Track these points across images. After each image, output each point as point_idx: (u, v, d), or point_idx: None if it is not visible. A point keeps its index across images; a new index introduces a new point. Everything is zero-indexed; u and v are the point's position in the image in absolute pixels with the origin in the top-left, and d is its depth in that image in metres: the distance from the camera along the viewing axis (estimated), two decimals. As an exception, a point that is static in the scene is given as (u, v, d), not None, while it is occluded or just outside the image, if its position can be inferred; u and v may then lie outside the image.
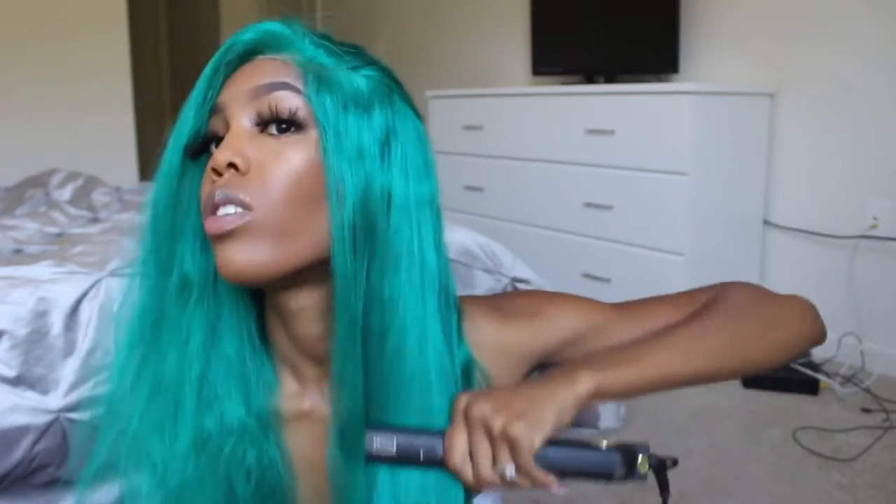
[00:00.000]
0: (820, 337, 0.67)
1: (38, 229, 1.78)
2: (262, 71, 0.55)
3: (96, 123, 3.08)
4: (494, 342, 0.63)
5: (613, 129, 2.50)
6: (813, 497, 1.60)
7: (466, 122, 3.07)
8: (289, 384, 0.62)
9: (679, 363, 0.58)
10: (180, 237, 0.58)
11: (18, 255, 1.50)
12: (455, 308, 0.60)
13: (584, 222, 2.64)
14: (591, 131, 2.56)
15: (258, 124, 0.54)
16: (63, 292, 1.20)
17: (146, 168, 3.51)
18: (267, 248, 0.52)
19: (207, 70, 0.57)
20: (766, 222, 2.57)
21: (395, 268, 0.54)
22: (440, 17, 3.87)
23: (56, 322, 1.17)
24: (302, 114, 0.53)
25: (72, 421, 1.15)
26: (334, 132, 0.53)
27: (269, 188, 0.52)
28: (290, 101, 0.53)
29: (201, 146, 0.57)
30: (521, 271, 1.76)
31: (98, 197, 2.17)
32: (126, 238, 1.66)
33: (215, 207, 0.52)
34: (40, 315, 1.17)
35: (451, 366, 0.59)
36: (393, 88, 0.58)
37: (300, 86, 0.54)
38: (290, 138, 0.53)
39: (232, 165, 0.52)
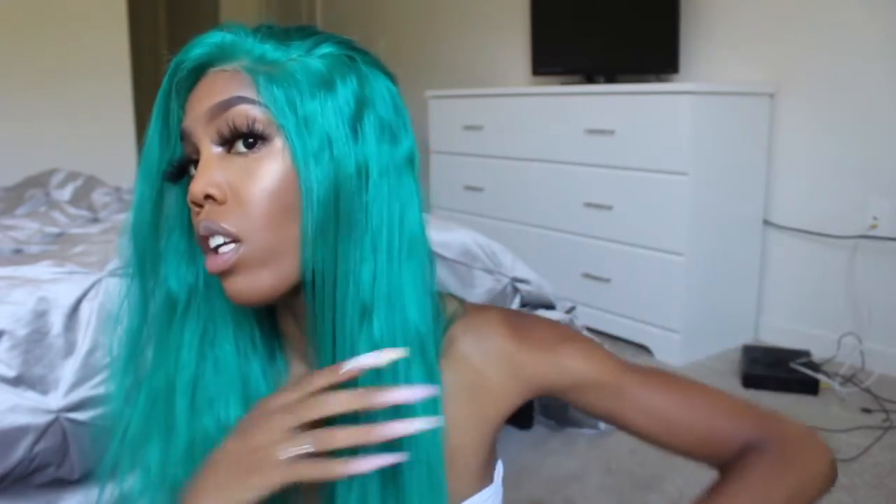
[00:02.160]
0: (831, 485, 0.64)
1: (38, 229, 1.78)
2: (213, 88, 0.54)
3: (96, 123, 3.09)
4: (506, 357, 0.63)
5: (613, 129, 2.50)
6: (813, 497, 1.60)
7: (466, 122, 3.07)
8: (297, 368, 0.63)
9: None
10: (163, 258, 0.59)
11: (18, 255, 1.50)
12: (431, 264, 0.58)
13: (584, 222, 2.64)
14: (591, 131, 2.56)
15: (223, 145, 0.54)
16: (63, 292, 1.20)
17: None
18: (266, 274, 0.53)
19: (160, 95, 0.56)
20: (766, 222, 2.57)
21: (373, 244, 0.53)
22: (440, 17, 3.87)
23: (56, 322, 1.18)
24: (261, 124, 0.52)
25: (72, 421, 1.15)
26: (297, 132, 0.52)
27: (250, 213, 0.52)
28: (246, 114, 0.52)
29: (179, 171, 0.57)
30: (521, 271, 1.77)
31: (98, 197, 2.18)
32: (123, 238, 1.66)
33: (206, 241, 0.53)
34: (40, 315, 1.17)
35: (429, 332, 0.57)
36: (355, 57, 0.56)
37: (253, 94, 0.53)
38: (259, 153, 0.53)
39: (208, 196, 0.53)
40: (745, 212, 2.52)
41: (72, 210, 2.04)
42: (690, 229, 2.34)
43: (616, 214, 2.52)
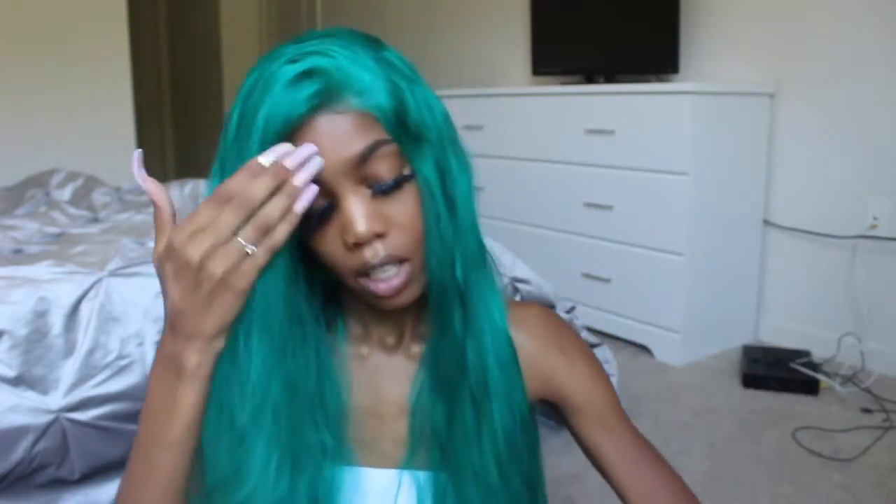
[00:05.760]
0: None
1: (38, 229, 1.78)
2: (341, 135, 0.54)
3: (96, 123, 3.09)
4: (534, 354, 0.69)
5: (613, 129, 2.50)
6: (813, 497, 1.60)
7: (466, 122, 3.07)
8: (355, 328, 0.68)
9: None
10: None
11: (18, 255, 1.50)
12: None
13: (584, 222, 2.64)
14: (591, 131, 2.56)
15: (367, 184, 0.56)
16: (63, 292, 1.20)
17: (146, 168, 3.51)
18: (421, 282, 0.60)
19: (260, 144, 0.54)
20: (766, 222, 2.57)
21: (453, 213, 0.60)
22: (440, 17, 3.87)
23: (56, 322, 1.18)
24: (402, 162, 0.56)
25: (72, 421, 1.15)
26: (414, 152, 0.57)
27: (411, 237, 0.57)
28: (389, 160, 0.55)
29: (319, 223, 0.57)
30: (521, 271, 1.77)
31: (98, 197, 2.18)
32: (126, 238, 1.66)
33: (371, 270, 0.57)
34: (40, 315, 1.17)
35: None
36: (398, 56, 0.60)
37: (382, 132, 0.55)
38: (404, 189, 0.57)
39: (377, 234, 0.56)
40: (745, 212, 2.52)
41: (72, 210, 2.04)
42: (690, 229, 2.34)
43: (616, 214, 2.52)
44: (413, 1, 4.03)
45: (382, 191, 0.56)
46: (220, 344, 0.54)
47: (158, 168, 5.29)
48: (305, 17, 4.76)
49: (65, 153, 2.84)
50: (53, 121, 2.98)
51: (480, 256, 0.63)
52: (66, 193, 2.28)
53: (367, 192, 0.56)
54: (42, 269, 1.25)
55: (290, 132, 0.53)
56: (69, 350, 1.18)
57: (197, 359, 0.53)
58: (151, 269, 1.37)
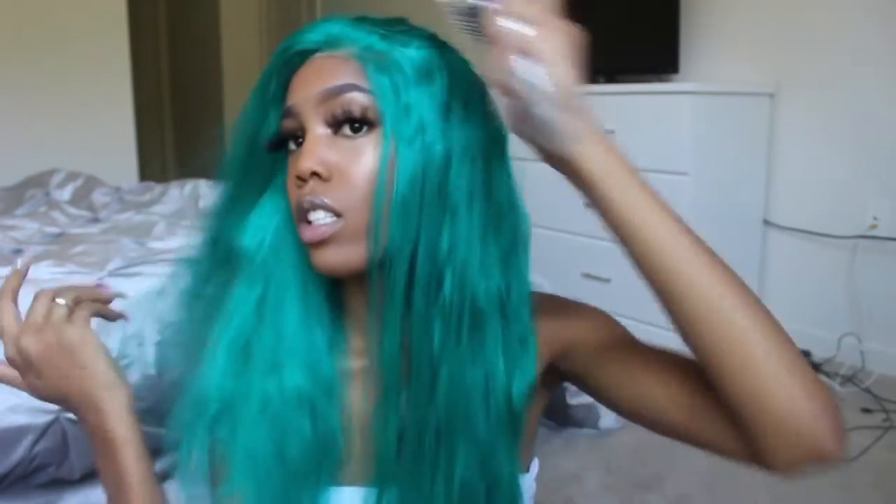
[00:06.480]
0: (818, 422, 0.49)
1: (38, 229, 1.78)
2: (324, 72, 0.57)
3: (96, 123, 3.09)
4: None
5: (613, 128, 2.49)
6: (813, 497, 1.60)
7: (466, 122, 3.07)
8: (358, 342, 0.64)
9: (668, 232, 0.56)
10: (241, 217, 0.62)
11: (18, 255, 1.50)
12: (525, 244, 0.62)
13: (584, 222, 2.63)
14: (591, 131, 2.56)
15: (331, 126, 0.57)
16: (63, 292, 1.20)
17: (146, 168, 3.51)
18: (358, 248, 0.56)
19: (267, 72, 0.60)
20: (766, 222, 2.57)
21: (452, 217, 0.57)
22: (441, 18, 3.86)
23: (56, 322, 1.17)
24: (372, 112, 0.56)
25: (72, 421, 1.15)
26: (395, 118, 0.55)
27: (353, 191, 0.55)
28: (360, 102, 0.56)
29: (278, 143, 0.60)
30: (521, 271, 1.76)
31: (98, 197, 2.18)
32: (126, 238, 1.66)
33: (305, 213, 0.56)
34: (40, 315, 1.17)
35: (508, 298, 0.59)
36: (444, 47, 0.62)
37: (363, 82, 0.56)
38: (365, 138, 0.56)
39: (315, 173, 0.55)
40: (745, 212, 2.52)
41: (72, 210, 2.04)
42: (690, 229, 2.34)
43: (616, 214, 2.52)
44: (413, 1, 4.02)
45: (331, 124, 0.56)
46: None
47: (158, 168, 5.29)
48: (306, 18, 4.75)
49: (65, 153, 2.84)
50: (53, 121, 2.98)
51: (496, 300, 0.59)
52: (66, 193, 2.28)
53: (329, 132, 0.57)
54: (42, 269, 1.25)
55: (293, 67, 0.59)
56: (69, 350, 1.18)
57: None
58: (152, 268, 1.37)
